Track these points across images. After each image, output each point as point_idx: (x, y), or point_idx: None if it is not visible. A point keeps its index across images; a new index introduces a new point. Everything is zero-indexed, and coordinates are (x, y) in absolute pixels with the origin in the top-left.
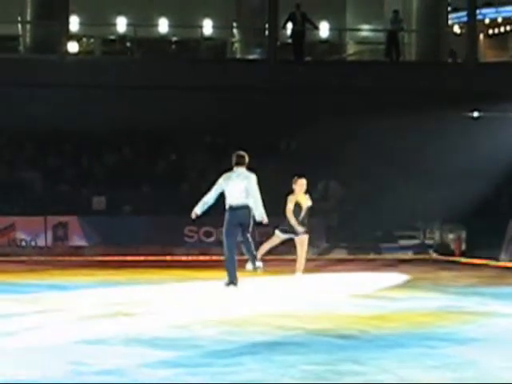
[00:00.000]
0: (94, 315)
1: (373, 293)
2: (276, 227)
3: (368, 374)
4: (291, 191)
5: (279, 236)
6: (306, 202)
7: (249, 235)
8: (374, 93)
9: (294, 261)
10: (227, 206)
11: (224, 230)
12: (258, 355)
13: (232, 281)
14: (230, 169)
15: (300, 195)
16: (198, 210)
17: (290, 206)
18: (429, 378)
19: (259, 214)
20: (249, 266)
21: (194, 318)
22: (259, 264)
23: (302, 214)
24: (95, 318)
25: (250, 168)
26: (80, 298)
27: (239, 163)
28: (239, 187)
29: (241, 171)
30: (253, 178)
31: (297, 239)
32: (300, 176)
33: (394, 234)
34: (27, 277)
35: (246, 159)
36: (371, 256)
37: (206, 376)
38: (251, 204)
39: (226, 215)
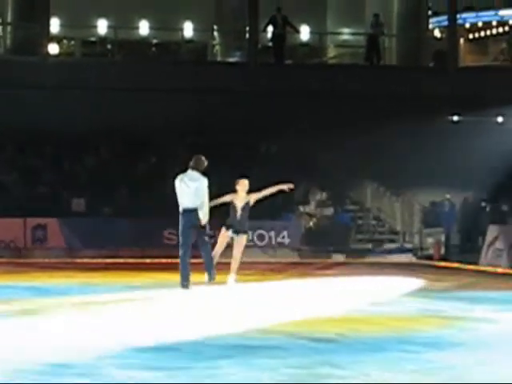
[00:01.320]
0: (71, 318)
1: (352, 296)
2: (222, 225)
3: (347, 378)
4: (235, 191)
5: (224, 233)
6: (242, 201)
7: (206, 238)
8: (353, 96)
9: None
10: (180, 209)
11: (179, 232)
12: (236, 358)
13: (183, 283)
14: (184, 170)
15: (239, 195)
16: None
17: (216, 200)
18: (409, 382)
19: (201, 214)
20: (206, 278)
21: (172, 321)
22: (213, 275)
23: (238, 213)
24: (72, 321)
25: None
26: (57, 299)
27: (195, 168)
28: (191, 190)
29: (193, 174)
30: (204, 181)
31: (236, 239)
32: (242, 177)
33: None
34: (4, 278)
35: (204, 165)
36: (351, 260)
37: (186, 378)
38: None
39: (180, 218)
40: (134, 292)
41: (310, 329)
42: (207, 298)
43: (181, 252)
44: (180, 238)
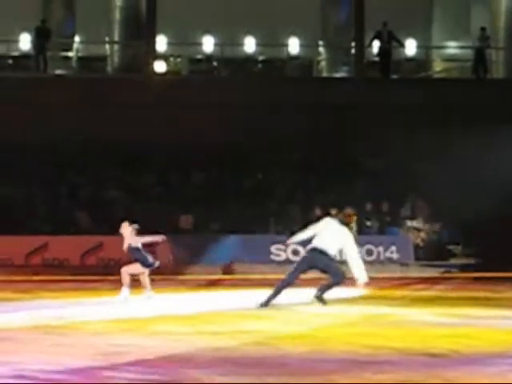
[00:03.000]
0: (189, 332)
1: (452, 311)
2: None
3: None
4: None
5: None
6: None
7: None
8: (461, 110)
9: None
10: (311, 246)
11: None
12: (348, 373)
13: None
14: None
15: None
16: (291, 241)
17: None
18: None
19: (357, 274)
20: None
21: (280, 332)
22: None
23: None
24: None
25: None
26: (166, 314)
27: (344, 223)
28: (333, 238)
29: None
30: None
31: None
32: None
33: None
34: (114, 294)
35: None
36: (461, 274)
37: None
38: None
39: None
40: (242, 308)
41: (421, 344)
42: (316, 316)
43: (286, 279)
44: (294, 267)
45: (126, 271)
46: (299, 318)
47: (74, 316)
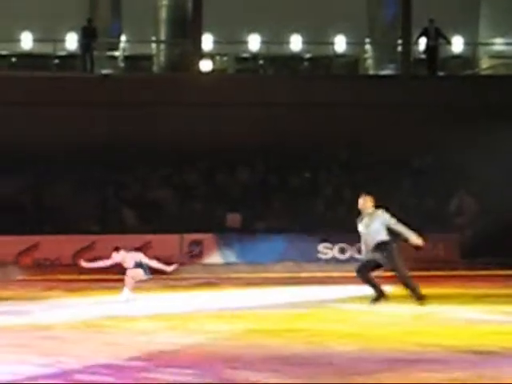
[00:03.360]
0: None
1: (501, 308)
2: None
3: None
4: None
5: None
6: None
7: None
8: (508, 106)
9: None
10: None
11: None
12: (396, 372)
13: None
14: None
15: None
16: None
17: None
18: None
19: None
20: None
21: (328, 331)
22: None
23: None
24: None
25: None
26: (217, 312)
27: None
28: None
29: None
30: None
31: None
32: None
33: None
34: (163, 292)
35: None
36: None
37: None
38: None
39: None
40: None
41: (469, 341)
42: (364, 314)
43: (404, 274)
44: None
45: (129, 274)
46: (347, 317)
47: (119, 314)
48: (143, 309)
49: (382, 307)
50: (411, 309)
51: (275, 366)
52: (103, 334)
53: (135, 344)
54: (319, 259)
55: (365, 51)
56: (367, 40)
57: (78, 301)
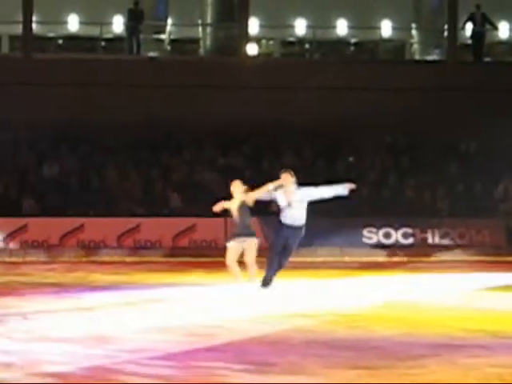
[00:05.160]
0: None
1: None
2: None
3: None
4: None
5: (230, 246)
6: (235, 202)
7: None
8: None
9: None
10: None
11: None
12: (441, 357)
13: None
14: None
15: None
16: None
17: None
18: None
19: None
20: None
21: (374, 315)
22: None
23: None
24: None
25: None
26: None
27: None
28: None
29: None
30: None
31: (245, 244)
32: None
33: None
34: (203, 276)
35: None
36: None
37: (390, 377)
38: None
39: None
40: (332, 290)
41: None
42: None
43: None
44: None
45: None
46: (392, 301)
47: (165, 298)
48: (190, 293)
49: (429, 292)
50: (457, 294)
51: (319, 351)
52: (148, 317)
53: (183, 327)
54: (364, 244)
55: (411, 36)
56: (413, 25)
57: (122, 284)
